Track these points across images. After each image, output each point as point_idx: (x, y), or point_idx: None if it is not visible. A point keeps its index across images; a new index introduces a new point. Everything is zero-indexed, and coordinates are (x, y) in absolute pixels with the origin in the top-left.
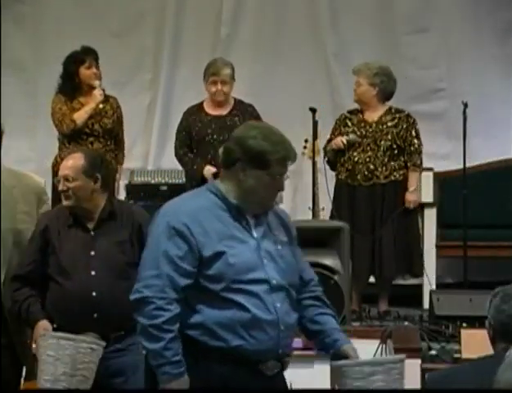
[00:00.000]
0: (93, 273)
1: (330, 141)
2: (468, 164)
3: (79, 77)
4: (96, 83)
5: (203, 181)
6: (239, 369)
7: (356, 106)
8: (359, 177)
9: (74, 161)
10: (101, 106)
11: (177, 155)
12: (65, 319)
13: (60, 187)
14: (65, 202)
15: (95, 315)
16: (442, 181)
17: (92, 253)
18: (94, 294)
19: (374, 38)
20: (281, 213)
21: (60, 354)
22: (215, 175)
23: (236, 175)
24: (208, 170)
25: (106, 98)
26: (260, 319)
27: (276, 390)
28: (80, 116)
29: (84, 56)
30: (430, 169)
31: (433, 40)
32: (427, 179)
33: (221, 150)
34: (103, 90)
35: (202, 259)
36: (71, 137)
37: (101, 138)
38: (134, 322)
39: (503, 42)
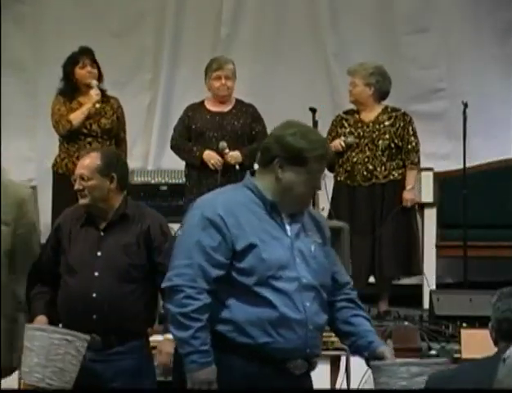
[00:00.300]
0: (96, 274)
1: None
2: (468, 164)
3: (75, 77)
4: (93, 82)
5: (202, 165)
6: (265, 367)
7: (352, 106)
8: (358, 177)
9: (91, 160)
10: (97, 105)
11: (174, 145)
12: (69, 318)
13: (76, 186)
14: (80, 201)
15: (94, 316)
16: (442, 181)
17: (99, 253)
18: (94, 295)
19: (374, 38)
20: (316, 214)
21: (34, 345)
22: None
23: (274, 172)
24: (208, 154)
25: (107, 99)
26: (288, 318)
27: (302, 389)
28: (76, 117)
29: (78, 56)
30: (430, 169)
31: (433, 40)
32: (427, 179)
33: (234, 149)
34: (104, 90)
35: (235, 251)
36: (69, 138)
37: (99, 138)
38: (138, 325)
39: (503, 42)
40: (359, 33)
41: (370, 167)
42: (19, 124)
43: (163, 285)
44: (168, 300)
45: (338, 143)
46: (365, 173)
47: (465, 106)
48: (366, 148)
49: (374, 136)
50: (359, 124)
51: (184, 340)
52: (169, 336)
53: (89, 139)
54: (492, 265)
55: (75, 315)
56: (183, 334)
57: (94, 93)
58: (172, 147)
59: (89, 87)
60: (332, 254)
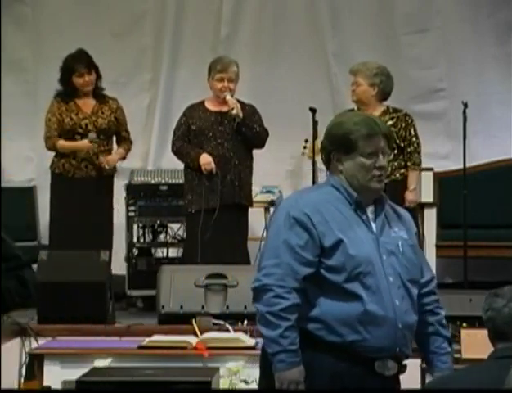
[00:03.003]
0: None
1: None
2: (468, 164)
3: (74, 84)
4: (91, 136)
5: (199, 169)
6: (354, 367)
7: (353, 105)
8: None
9: None
10: (94, 107)
11: (174, 150)
12: None
13: None
14: None
15: None
16: (442, 181)
17: None
18: None
19: (374, 38)
20: (403, 212)
21: None
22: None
23: (336, 168)
24: (204, 158)
25: (106, 100)
26: (376, 315)
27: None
28: (63, 147)
29: (73, 63)
30: (430, 169)
31: (433, 40)
32: (427, 179)
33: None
34: (102, 89)
35: (323, 248)
36: (67, 137)
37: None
38: None
39: (503, 42)
40: (359, 33)
41: None
42: (19, 124)
43: (252, 286)
44: (257, 299)
45: None
46: None
47: (465, 106)
48: None
49: None
50: None
51: (272, 339)
52: None
53: (85, 139)
54: (492, 265)
55: None
56: (272, 333)
57: (87, 145)
58: (173, 152)
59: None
60: (419, 252)
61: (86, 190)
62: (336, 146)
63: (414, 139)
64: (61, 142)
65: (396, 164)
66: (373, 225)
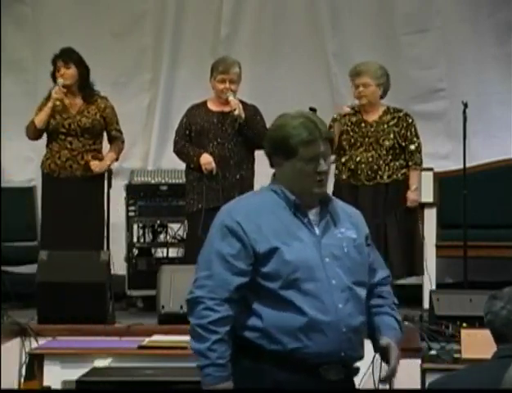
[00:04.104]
0: None
1: None
2: (468, 164)
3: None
4: (59, 81)
5: (200, 169)
6: (296, 374)
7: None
8: (362, 176)
9: None
10: (57, 102)
11: (175, 148)
12: None
13: None
14: None
15: None
16: (442, 181)
17: None
18: None
19: (374, 38)
20: (352, 212)
21: None
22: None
23: (277, 171)
24: (204, 158)
25: (94, 99)
26: (318, 321)
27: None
28: (40, 120)
29: (55, 59)
30: (430, 169)
31: (433, 40)
32: (427, 179)
33: None
34: (93, 90)
35: (257, 256)
36: (51, 137)
37: (80, 137)
38: None
39: (503, 42)
40: (359, 33)
41: (375, 167)
42: (19, 124)
43: (186, 298)
44: (189, 312)
45: (345, 108)
46: (369, 172)
47: (465, 106)
48: (371, 148)
49: (378, 136)
50: (362, 124)
51: (200, 352)
52: None
53: (70, 138)
54: (492, 265)
55: None
56: (200, 346)
57: (53, 91)
58: (174, 152)
59: (70, 88)
60: (371, 252)
61: (71, 190)
62: (274, 150)
63: (415, 139)
64: (37, 118)
65: (397, 164)
66: (316, 228)
